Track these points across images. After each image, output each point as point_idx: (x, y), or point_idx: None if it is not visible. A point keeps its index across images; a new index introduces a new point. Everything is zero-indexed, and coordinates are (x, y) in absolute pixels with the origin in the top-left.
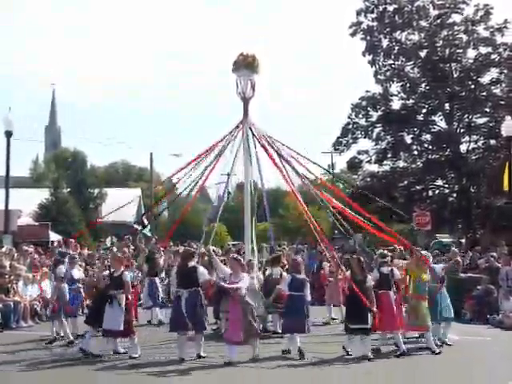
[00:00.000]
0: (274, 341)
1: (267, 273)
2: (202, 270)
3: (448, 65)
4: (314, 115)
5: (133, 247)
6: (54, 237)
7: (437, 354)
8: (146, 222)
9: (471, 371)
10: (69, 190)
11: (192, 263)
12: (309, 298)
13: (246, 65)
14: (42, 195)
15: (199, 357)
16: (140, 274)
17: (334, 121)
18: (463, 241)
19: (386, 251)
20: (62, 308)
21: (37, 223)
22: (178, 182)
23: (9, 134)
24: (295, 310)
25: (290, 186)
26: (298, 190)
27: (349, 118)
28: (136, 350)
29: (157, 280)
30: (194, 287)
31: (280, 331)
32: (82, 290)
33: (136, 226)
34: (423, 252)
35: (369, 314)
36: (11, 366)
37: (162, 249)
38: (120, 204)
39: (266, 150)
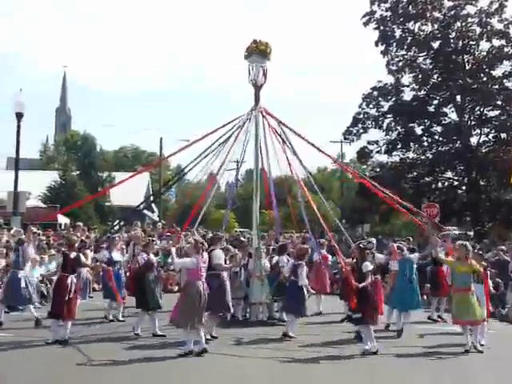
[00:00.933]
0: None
1: (274, 261)
2: (217, 252)
3: (461, 57)
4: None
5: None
6: (62, 219)
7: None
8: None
9: (466, 363)
10: (78, 172)
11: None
12: (305, 282)
13: (258, 52)
14: (51, 178)
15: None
16: None
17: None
18: (471, 233)
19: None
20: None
21: (45, 206)
22: (187, 168)
23: (20, 116)
24: (293, 295)
25: (293, 173)
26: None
27: (360, 107)
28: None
29: None
30: (210, 271)
31: (285, 318)
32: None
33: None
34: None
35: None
36: (17, 347)
37: (169, 234)
38: (128, 188)
39: (277, 138)
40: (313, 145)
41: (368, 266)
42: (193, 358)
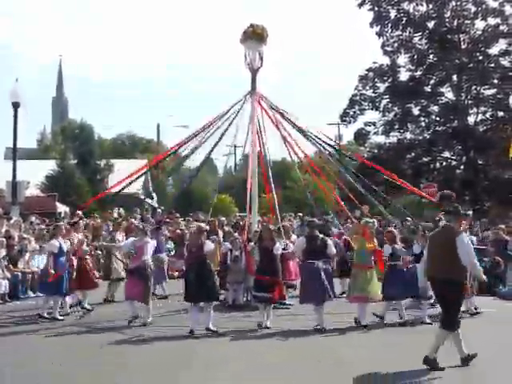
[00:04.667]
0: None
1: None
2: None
3: (456, 36)
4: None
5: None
6: (61, 208)
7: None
8: (153, 194)
9: (475, 341)
10: (76, 161)
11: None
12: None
13: (254, 36)
14: (49, 166)
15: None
16: None
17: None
18: (470, 213)
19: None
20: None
21: (44, 194)
22: (187, 156)
23: (16, 106)
24: None
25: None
26: (305, 162)
27: (356, 89)
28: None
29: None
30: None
31: (287, 302)
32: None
33: (146, 199)
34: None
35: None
36: (19, 335)
37: (168, 220)
38: (127, 176)
39: (273, 121)
40: (302, 130)
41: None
42: (196, 340)
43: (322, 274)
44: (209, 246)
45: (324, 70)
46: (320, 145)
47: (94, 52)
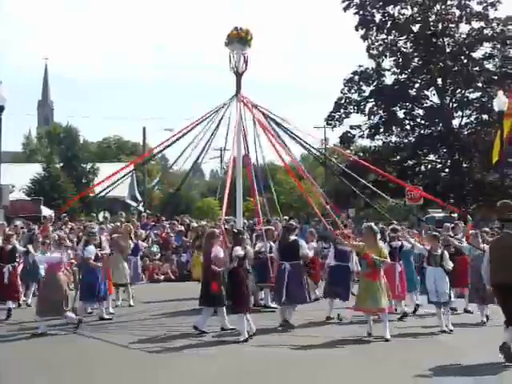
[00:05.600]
0: (266, 315)
1: (257, 247)
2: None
3: (441, 39)
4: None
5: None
6: (47, 212)
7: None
8: (139, 197)
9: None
10: (61, 165)
11: (293, 237)
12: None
13: (238, 39)
14: (34, 170)
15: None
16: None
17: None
18: (455, 215)
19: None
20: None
21: (29, 198)
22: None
23: (1, 109)
24: None
25: (282, 160)
26: (290, 165)
27: (341, 92)
28: None
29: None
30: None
31: (271, 306)
32: None
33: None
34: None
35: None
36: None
37: (153, 223)
38: (113, 179)
39: (260, 125)
40: (288, 130)
41: (238, 250)
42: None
43: (286, 275)
44: (217, 252)
45: (309, 72)
46: (307, 147)
47: (81, 52)
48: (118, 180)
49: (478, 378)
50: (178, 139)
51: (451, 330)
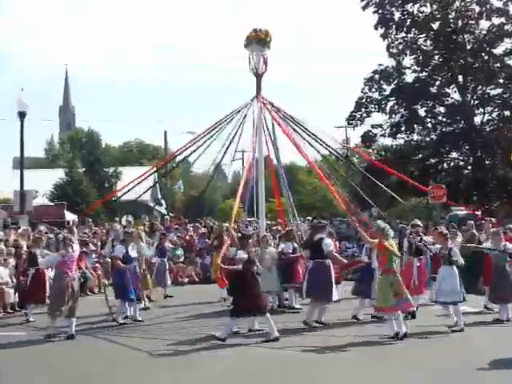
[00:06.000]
0: (289, 317)
1: (279, 248)
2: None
3: (461, 36)
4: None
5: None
6: (70, 217)
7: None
8: (162, 200)
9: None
10: (84, 169)
11: (319, 235)
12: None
13: (257, 40)
14: (57, 175)
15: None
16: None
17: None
18: (479, 213)
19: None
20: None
21: (52, 203)
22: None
23: (22, 115)
24: None
25: (306, 159)
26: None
27: (362, 91)
28: None
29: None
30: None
31: (296, 307)
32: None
33: (154, 204)
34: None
35: None
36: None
37: (176, 227)
38: (135, 183)
39: (280, 126)
40: (309, 131)
41: (240, 254)
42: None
43: (310, 273)
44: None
45: (309, 72)
46: (328, 148)
47: (81, 52)
48: (140, 181)
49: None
50: (202, 143)
51: (462, 329)
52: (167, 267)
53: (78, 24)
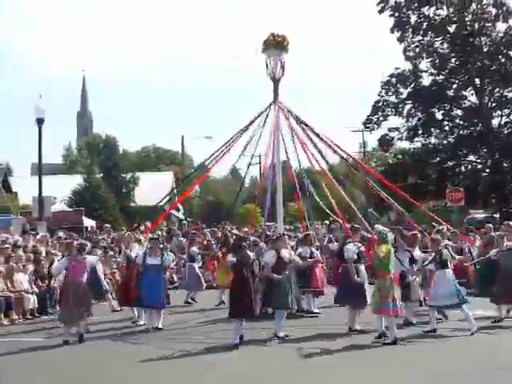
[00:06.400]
0: (307, 321)
1: (298, 252)
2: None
3: (477, 39)
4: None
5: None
6: (88, 222)
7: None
8: (179, 205)
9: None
10: (101, 175)
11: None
12: None
13: (275, 45)
14: (75, 181)
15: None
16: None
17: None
18: (497, 216)
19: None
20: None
21: (71, 209)
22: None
23: (40, 122)
24: None
25: (319, 166)
26: (329, 170)
27: (379, 95)
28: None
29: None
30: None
31: (314, 311)
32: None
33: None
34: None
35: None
36: (46, 350)
37: (194, 232)
38: (153, 188)
39: (295, 131)
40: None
41: (229, 257)
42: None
43: (340, 278)
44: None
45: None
46: (343, 153)
47: (81, 52)
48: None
49: None
50: (227, 149)
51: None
52: (197, 271)
53: (78, 24)
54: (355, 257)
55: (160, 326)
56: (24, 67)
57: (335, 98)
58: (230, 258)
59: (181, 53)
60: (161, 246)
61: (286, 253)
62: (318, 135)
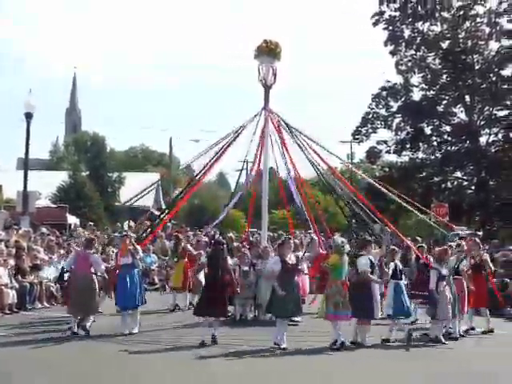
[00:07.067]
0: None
1: None
2: (360, 259)
3: (470, 57)
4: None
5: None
6: (72, 220)
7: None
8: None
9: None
10: (88, 173)
11: (362, 252)
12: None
13: (268, 52)
14: (60, 178)
15: None
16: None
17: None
18: (480, 233)
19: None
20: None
21: (55, 206)
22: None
23: (29, 116)
24: None
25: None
26: (317, 179)
27: (369, 107)
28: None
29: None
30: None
31: (295, 319)
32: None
33: (156, 211)
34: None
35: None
36: (24, 346)
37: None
38: (138, 189)
39: (283, 139)
40: (318, 144)
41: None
42: (208, 358)
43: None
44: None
45: (309, 72)
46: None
47: (81, 52)
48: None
49: None
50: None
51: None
52: None
53: (78, 24)
54: (369, 269)
55: (135, 331)
56: (24, 67)
57: (335, 98)
58: (202, 259)
59: (181, 53)
60: (130, 245)
61: (292, 258)
62: (306, 143)
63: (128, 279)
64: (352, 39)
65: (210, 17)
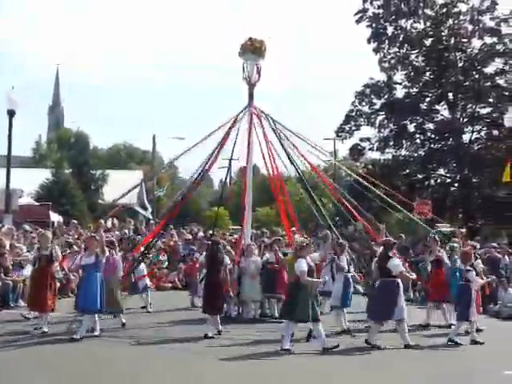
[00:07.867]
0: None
1: (264, 258)
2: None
3: (453, 54)
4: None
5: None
6: (55, 217)
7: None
8: (147, 205)
9: (467, 359)
10: (71, 170)
11: (390, 254)
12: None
13: (252, 50)
14: (43, 175)
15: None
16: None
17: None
18: (463, 230)
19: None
20: None
21: (38, 203)
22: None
23: (11, 113)
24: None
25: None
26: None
27: (352, 104)
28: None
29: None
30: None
31: (277, 316)
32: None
33: (139, 209)
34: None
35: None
36: (7, 344)
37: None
38: (122, 186)
39: (266, 137)
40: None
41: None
42: (191, 355)
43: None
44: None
45: (309, 72)
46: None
47: (93, 56)
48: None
49: None
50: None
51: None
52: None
53: (78, 24)
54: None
55: (96, 334)
56: (24, 67)
57: (335, 98)
58: (201, 258)
59: (181, 53)
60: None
61: (313, 259)
62: (291, 141)
63: (90, 281)
64: (352, 39)
65: (209, 17)
